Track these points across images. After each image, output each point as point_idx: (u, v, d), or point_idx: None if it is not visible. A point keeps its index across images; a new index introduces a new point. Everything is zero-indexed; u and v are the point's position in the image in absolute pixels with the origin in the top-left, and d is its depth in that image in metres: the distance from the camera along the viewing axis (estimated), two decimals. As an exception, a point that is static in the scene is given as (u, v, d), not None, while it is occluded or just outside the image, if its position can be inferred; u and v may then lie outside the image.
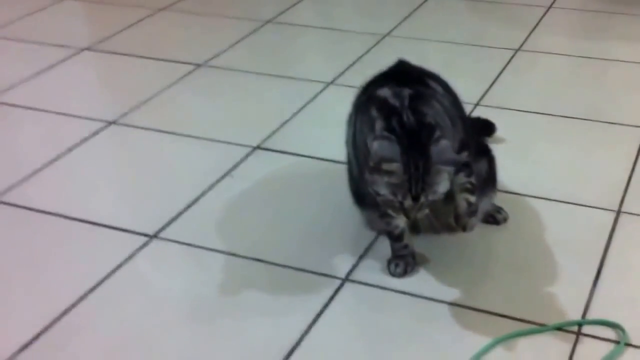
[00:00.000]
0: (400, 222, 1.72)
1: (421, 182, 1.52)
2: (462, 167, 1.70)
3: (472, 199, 1.73)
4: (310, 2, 3.36)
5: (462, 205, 1.73)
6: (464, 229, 1.75)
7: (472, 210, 1.74)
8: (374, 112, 1.61)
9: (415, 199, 1.53)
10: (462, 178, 1.70)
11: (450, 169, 1.54)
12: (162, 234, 1.90)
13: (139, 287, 1.75)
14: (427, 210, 1.58)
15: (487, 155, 1.86)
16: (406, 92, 1.61)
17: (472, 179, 1.71)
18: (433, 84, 1.71)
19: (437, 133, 1.54)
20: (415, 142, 1.53)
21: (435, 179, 1.53)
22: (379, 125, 1.57)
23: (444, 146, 1.53)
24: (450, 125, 1.63)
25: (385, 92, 1.63)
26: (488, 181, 1.82)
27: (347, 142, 1.79)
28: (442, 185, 1.55)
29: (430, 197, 1.54)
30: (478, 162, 1.79)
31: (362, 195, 1.82)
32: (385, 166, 1.51)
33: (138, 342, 1.60)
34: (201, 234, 1.89)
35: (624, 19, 3.07)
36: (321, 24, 3.17)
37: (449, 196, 1.69)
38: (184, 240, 1.88)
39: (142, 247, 1.86)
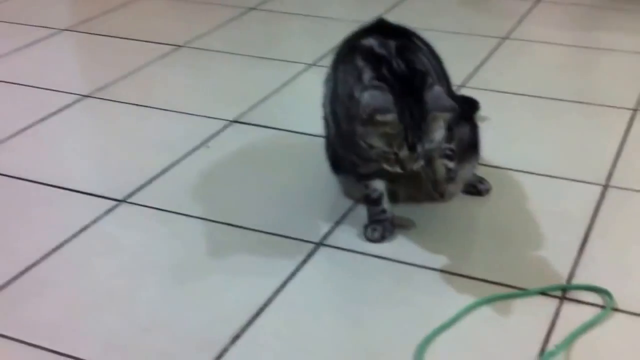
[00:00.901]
0: (379, 185, 1.65)
1: (417, 131, 1.44)
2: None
3: (451, 164, 1.66)
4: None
5: (441, 171, 1.66)
6: (442, 195, 1.68)
7: (450, 177, 1.67)
8: (359, 62, 1.53)
9: (412, 148, 1.46)
10: (442, 143, 1.64)
11: (447, 115, 1.47)
12: (131, 199, 1.83)
13: (105, 248, 1.68)
14: (422, 162, 1.50)
15: (470, 121, 1.80)
16: (392, 42, 1.54)
17: (452, 145, 1.64)
18: (417, 40, 1.65)
19: (430, 79, 1.47)
20: (408, 89, 1.46)
21: (431, 126, 1.46)
22: (367, 75, 1.50)
23: (438, 92, 1.46)
24: (436, 80, 1.57)
25: (370, 41, 1.56)
26: (470, 148, 1.75)
27: (324, 104, 1.72)
28: (439, 133, 1.48)
29: (427, 146, 1.47)
30: (461, 127, 1.71)
31: (339, 160, 1.75)
32: (380, 117, 1.43)
33: (103, 299, 1.53)
34: (173, 200, 1.82)
35: (614, 13, 3.05)
36: (306, 11, 3.12)
37: (429, 161, 1.62)
38: (155, 205, 1.81)
39: (110, 210, 1.80)
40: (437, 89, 1.47)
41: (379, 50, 1.53)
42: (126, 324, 1.46)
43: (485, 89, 2.35)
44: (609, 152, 2.00)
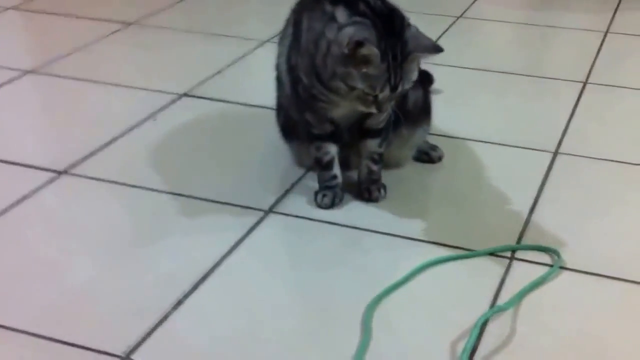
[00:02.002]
0: (331, 148, 1.63)
1: (400, 71, 1.41)
2: (380, 132, 1.62)
3: (375, 168, 1.65)
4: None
5: (364, 171, 1.66)
6: (370, 196, 1.66)
7: (373, 179, 1.66)
8: (328, 7, 1.47)
9: (394, 89, 1.42)
10: (373, 145, 1.63)
11: (428, 55, 1.44)
12: (73, 170, 1.79)
13: (43, 218, 1.64)
14: (393, 102, 1.48)
15: (423, 84, 1.78)
16: None
17: (382, 150, 1.64)
18: None
19: (407, 19, 1.43)
20: (388, 27, 1.41)
21: (411, 66, 1.43)
22: (342, 13, 1.44)
23: (417, 31, 1.43)
24: None
25: None
26: (423, 112, 1.74)
27: (278, 64, 1.68)
28: (415, 74, 1.45)
29: (406, 86, 1.44)
30: (416, 91, 1.69)
31: (290, 125, 1.72)
32: (365, 50, 1.38)
33: (38, 268, 1.48)
34: (117, 171, 1.78)
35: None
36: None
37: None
38: (98, 176, 1.77)
39: (50, 182, 1.75)
40: (415, 28, 1.44)
41: None
42: (62, 292, 1.41)
43: (440, 64, 2.32)
44: (559, 121, 2.00)
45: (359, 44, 1.37)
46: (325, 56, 1.45)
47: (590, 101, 2.12)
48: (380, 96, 1.43)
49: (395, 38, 1.41)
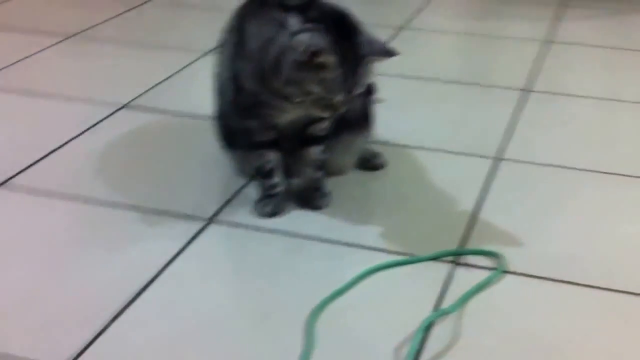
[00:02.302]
0: (273, 156, 1.62)
1: (355, 76, 1.41)
2: (323, 139, 1.61)
3: (317, 175, 1.65)
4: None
5: (307, 178, 1.65)
6: (312, 204, 1.65)
7: (316, 187, 1.65)
8: (277, 14, 1.45)
9: (349, 93, 1.42)
10: (315, 152, 1.62)
11: (382, 59, 1.43)
12: (10, 182, 1.75)
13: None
14: (347, 106, 1.47)
15: (366, 96, 1.77)
16: None
17: (324, 157, 1.64)
18: None
19: (359, 23, 1.43)
20: (342, 32, 1.41)
21: (366, 70, 1.42)
22: (294, 19, 1.42)
23: (370, 35, 1.43)
24: None
25: None
26: (364, 119, 1.73)
27: (218, 73, 1.66)
28: (369, 77, 1.45)
29: (360, 90, 1.44)
30: (358, 98, 1.68)
31: (231, 134, 1.70)
32: (322, 58, 1.37)
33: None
34: (55, 182, 1.75)
35: (504, 4, 3.11)
36: (203, 4, 3.08)
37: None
38: (35, 186, 1.73)
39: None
40: (368, 33, 1.43)
41: (292, 1, 1.47)
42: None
43: (382, 74, 2.32)
44: (501, 128, 2.02)
45: (315, 52, 1.36)
46: (278, 62, 1.44)
47: (532, 108, 2.13)
48: (336, 100, 1.42)
49: (349, 42, 1.40)
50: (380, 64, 1.46)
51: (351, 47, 1.40)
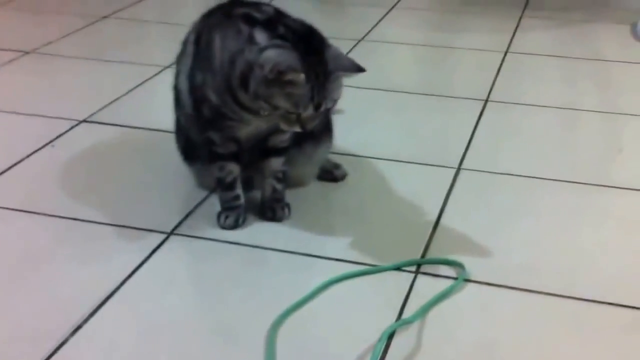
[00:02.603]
0: (234, 168, 1.61)
1: (323, 91, 1.40)
2: (284, 151, 1.62)
3: (279, 187, 1.65)
4: (154, 2, 3.26)
5: (268, 190, 1.65)
6: (274, 215, 1.65)
7: (277, 198, 1.65)
8: (244, 27, 1.45)
9: (317, 107, 1.41)
10: (276, 164, 1.62)
11: (350, 74, 1.43)
12: (-31, 198, 1.72)
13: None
14: (318, 121, 1.47)
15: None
16: (269, 8, 1.50)
17: (285, 168, 1.64)
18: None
19: (326, 39, 1.43)
20: (309, 47, 1.41)
21: (333, 85, 1.42)
22: (261, 35, 1.42)
23: (337, 51, 1.43)
24: None
25: (243, 10, 1.49)
26: (325, 131, 1.73)
27: (178, 83, 1.64)
28: (339, 92, 1.45)
29: (329, 105, 1.44)
30: None
31: (191, 147, 1.69)
32: (290, 76, 1.37)
33: None
34: (15, 198, 1.73)
35: (463, 16, 3.15)
36: (159, 19, 3.07)
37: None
38: (-6, 203, 1.70)
39: (-55, 210, 1.67)
40: (335, 48, 1.44)
41: (259, 15, 1.47)
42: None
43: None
44: (461, 138, 2.03)
45: (285, 69, 1.36)
46: (245, 77, 1.43)
47: (491, 118, 2.15)
48: (304, 115, 1.42)
49: (317, 58, 1.40)
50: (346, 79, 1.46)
51: (319, 62, 1.40)
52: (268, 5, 1.54)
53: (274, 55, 1.39)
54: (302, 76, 1.37)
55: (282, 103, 1.41)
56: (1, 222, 1.65)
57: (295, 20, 1.48)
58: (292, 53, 1.39)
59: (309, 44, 1.42)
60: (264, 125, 1.54)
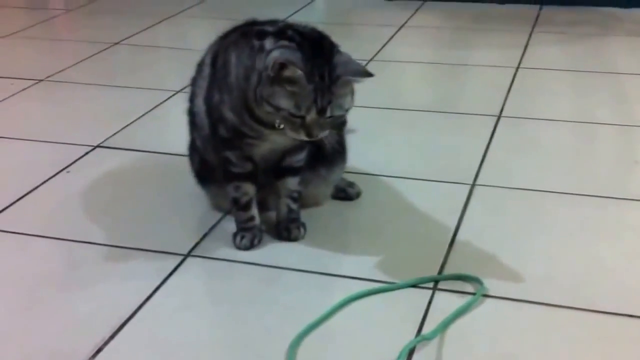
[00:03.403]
0: (250, 189, 1.61)
1: (327, 94, 1.38)
2: (299, 170, 1.61)
3: (294, 206, 1.65)
4: (165, 25, 3.28)
5: (283, 210, 1.64)
6: (289, 235, 1.65)
7: (292, 218, 1.65)
8: (255, 42, 1.46)
9: (321, 112, 1.39)
10: (292, 183, 1.62)
11: (357, 79, 1.42)
12: (-15, 225, 1.72)
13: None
14: (327, 132, 1.44)
15: (338, 130, 1.78)
16: (282, 22, 1.50)
17: (301, 188, 1.64)
18: None
19: (338, 46, 1.42)
20: (317, 50, 1.40)
21: (341, 91, 1.40)
22: (269, 42, 1.43)
23: (348, 57, 1.42)
24: None
25: (257, 27, 1.50)
26: (338, 153, 1.73)
27: (191, 108, 1.66)
28: (348, 101, 1.42)
29: (336, 112, 1.41)
30: (330, 134, 1.69)
31: (206, 169, 1.70)
32: (288, 72, 1.36)
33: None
34: (29, 224, 1.74)
35: (473, 33, 3.16)
36: (170, 44, 3.09)
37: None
38: (11, 229, 1.72)
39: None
40: (346, 54, 1.43)
41: (270, 28, 1.48)
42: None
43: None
44: (475, 154, 2.02)
45: (283, 65, 1.36)
46: (257, 88, 1.44)
47: (505, 134, 2.14)
48: (308, 118, 1.40)
49: (324, 61, 1.39)
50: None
51: (326, 65, 1.39)
52: (282, 21, 1.54)
53: (276, 52, 1.39)
54: (299, 72, 1.36)
55: (284, 103, 1.39)
56: (19, 247, 1.66)
57: (306, 27, 1.49)
58: (295, 51, 1.39)
59: (317, 47, 1.42)
60: (280, 141, 1.53)
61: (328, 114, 1.40)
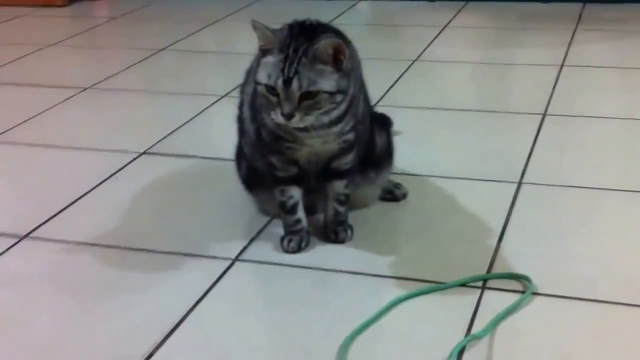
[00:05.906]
0: (295, 192, 1.62)
1: (296, 64, 1.40)
2: (346, 173, 1.61)
3: (341, 209, 1.64)
4: (210, 30, 3.31)
5: (330, 212, 1.65)
6: (336, 237, 1.65)
7: (339, 220, 1.65)
8: None
9: (287, 81, 1.40)
10: (339, 187, 1.62)
11: (329, 50, 1.42)
12: (35, 234, 1.75)
13: (7, 280, 1.60)
14: (310, 119, 1.44)
15: (385, 128, 1.80)
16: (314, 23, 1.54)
17: (348, 191, 1.64)
18: None
19: (332, 36, 1.45)
20: (305, 31, 1.44)
21: (315, 64, 1.41)
22: None
23: (334, 37, 1.44)
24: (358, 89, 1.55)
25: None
26: (386, 155, 1.74)
27: (239, 115, 1.68)
28: (325, 81, 1.42)
29: (307, 86, 1.41)
30: (379, 136, 1.72)
31: (253, 174, 1.71)
32: (258, 32, 1.43)
33: (3, 324, 1.45)
34: (80, 231, 1.75)
35: (517, 32, 3.15)
36: (216, 48, 3.11)
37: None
38: (60, 237, 1.73)
39: (12, 246, 1.70)
40: (336, 38, 1.45)
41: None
42: (27, 347, 1.38)
43: (398, 106, 2.36)
44: (521, 153, 2.01)
45: (262, 29, 1.42)
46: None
47: (551, 132, 2.13)
48: (278, 88, 1.41)
49: (305, 38, 1.43)
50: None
51: (305, 42, 1.42)
52: (318, 22, 1.55)
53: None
54: (271, 37, 1.42)
55: (260, 75, 1.43)
56: (69, 255, 1.68)
57: (321, 23, 1.51)
58: (282, 31, 1.45)
59: (307, 29, 1.46)
60: (318, 145, 1.54)
61: (295, 85, 1.40)
